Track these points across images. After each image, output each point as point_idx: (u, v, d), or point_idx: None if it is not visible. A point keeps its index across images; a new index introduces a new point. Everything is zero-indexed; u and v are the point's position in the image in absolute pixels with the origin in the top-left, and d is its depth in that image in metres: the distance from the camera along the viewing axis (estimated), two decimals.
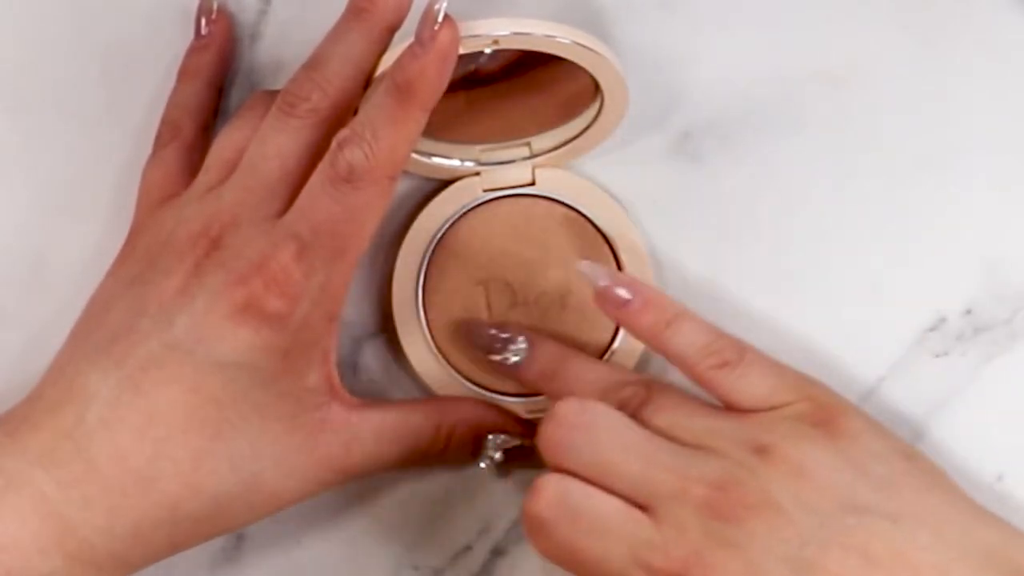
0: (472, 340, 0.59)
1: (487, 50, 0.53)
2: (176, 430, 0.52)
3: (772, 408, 0.52)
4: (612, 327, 0.60)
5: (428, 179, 0.61)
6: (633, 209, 0.61)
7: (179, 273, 0.53)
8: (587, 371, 0.56)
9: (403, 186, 0.61)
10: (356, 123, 0.53)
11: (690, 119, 0.62)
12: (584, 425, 0.51)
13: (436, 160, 0.60)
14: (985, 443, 0.60)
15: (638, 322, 0.54)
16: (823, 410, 0.52)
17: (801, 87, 0.62)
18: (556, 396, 0.54)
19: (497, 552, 0.60)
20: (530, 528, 0.51)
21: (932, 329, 0.61)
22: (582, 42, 0.53)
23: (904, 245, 0.61)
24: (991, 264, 0.61)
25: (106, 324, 0.54)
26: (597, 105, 0.58)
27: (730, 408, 0.53)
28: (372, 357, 0.61)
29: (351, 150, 0.52)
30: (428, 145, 0.59)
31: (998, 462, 0.60)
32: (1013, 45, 0.61)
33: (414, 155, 0.59)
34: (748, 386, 0.52)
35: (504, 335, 0.57)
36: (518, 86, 0.57)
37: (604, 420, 0.51)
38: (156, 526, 0.52)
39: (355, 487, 0.58)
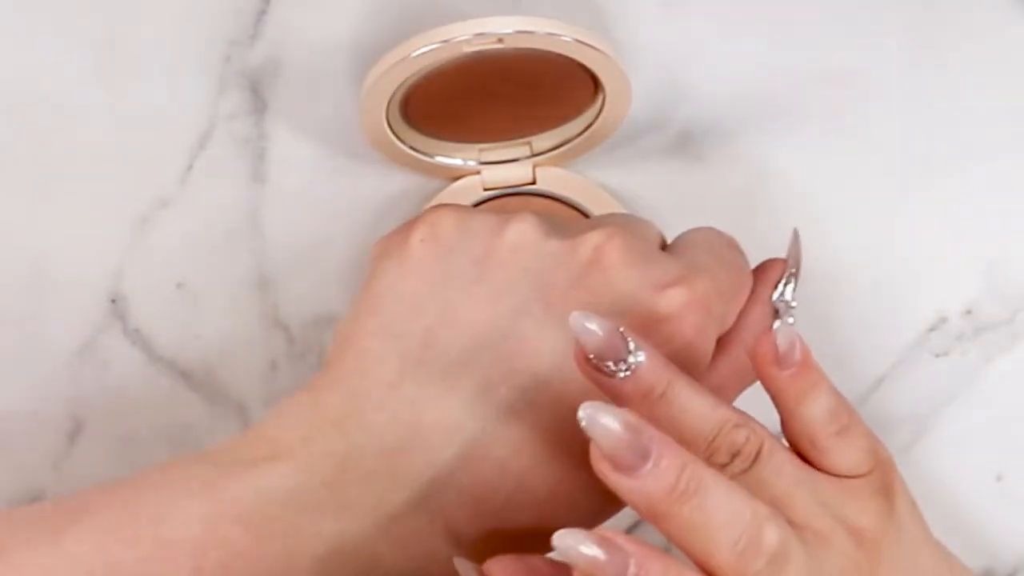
0: (580, 340, 0.47)
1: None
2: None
3: (859, 476, 0.49)
4: None
5: (429, 178, 0.61)
6: (633, 208, 0.61)
7: None
8: (696, 400, 0.48)
9: (403, 185, 0.61)
10: None
11: (690, 119, 0.62)
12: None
13: (437, 159, 0.60)
14: (985, 443, 0.61)
15: (791, 384, 0.48)
16: (887, 472, 0.50)
17: (801, 87, 0.62)
18: (660, 423, 0.48)
19: None
20: None
21: (932, 329, 0.61)
22: (585, 40, 0.54)
23: (904, 245, 0.61)
24: (992, 264, 0.61)
25: None
26: (598, 104, 0.58)
27: (823, 470, 0.49)
28: None
29: None
30: (429, 144, 0.59)
31: (998, 462, 0.61)
32: (1013, 45, 0.62)
33: (415, 154, 0.59)
34: (851, 454, 0.49)
35: (619, 344, 0.47)
36: (520, 85, 0.57)
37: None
38: None
39: None
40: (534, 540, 0.48)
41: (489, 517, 0.48)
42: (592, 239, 0.50)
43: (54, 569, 0.45)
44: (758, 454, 0.47)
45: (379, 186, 0.61)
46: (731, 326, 0.53)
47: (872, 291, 0.61)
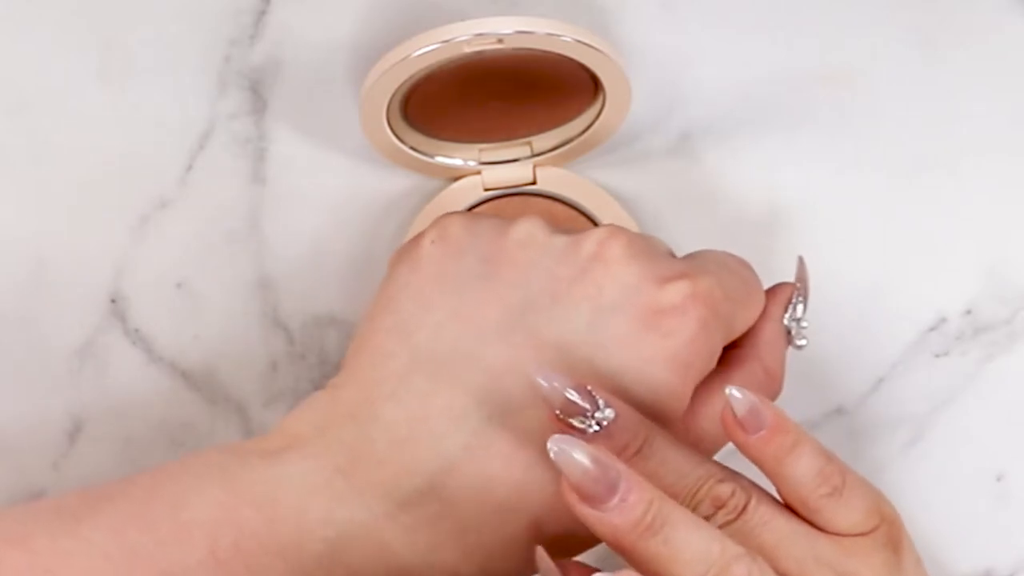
0: (545, 399, 0.48)
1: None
2: None
3: (862, 534, 0.49)
4: None
5: (429, 178, 0.61)
6: (633, 209, 0.61)
7: None
8: (676, 455, 0.49)
9: (403, 185, 0.61)
10: None
11: (690, 119, 0.62)
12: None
13: (437, 159, 0.60)
14: (985, 443, 0.61)
15: (764, 448, 0.48)
16: (893, 529, 0.50)
17: (801, 87, 0.62)
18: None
19: None
20: None
21: (932, 329, 0.61)
22: (585, 40, 0.54)
23: (904, 245, 0.61)
24: (991, 264, 0.61)
25: None
26: (598, 104, 0.58)
27: (822, 531, 0.49)
28: None
29: None
30: (430, 144, 0.59)
31: (998, 462, 0.61)
32: (1013, 45, 0.62)
33: (415, 154, 0.59)
34: (848, 514, 0.49)
35: (586, 403, 0.48)
36: (520, 85, 0.58)
37: None
38: None
39: None
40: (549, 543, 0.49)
41: (499, 509, 0.49)
42: (596, 235, 0.52)
43: (73, 554, 0.46)
44: (744, 507, 0.48)
45: (379, 186, 0.61)
46: (744, 343, 0.53)
47: (872, 291, 0.61)
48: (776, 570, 0.46)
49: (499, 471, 0.49)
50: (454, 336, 0.50)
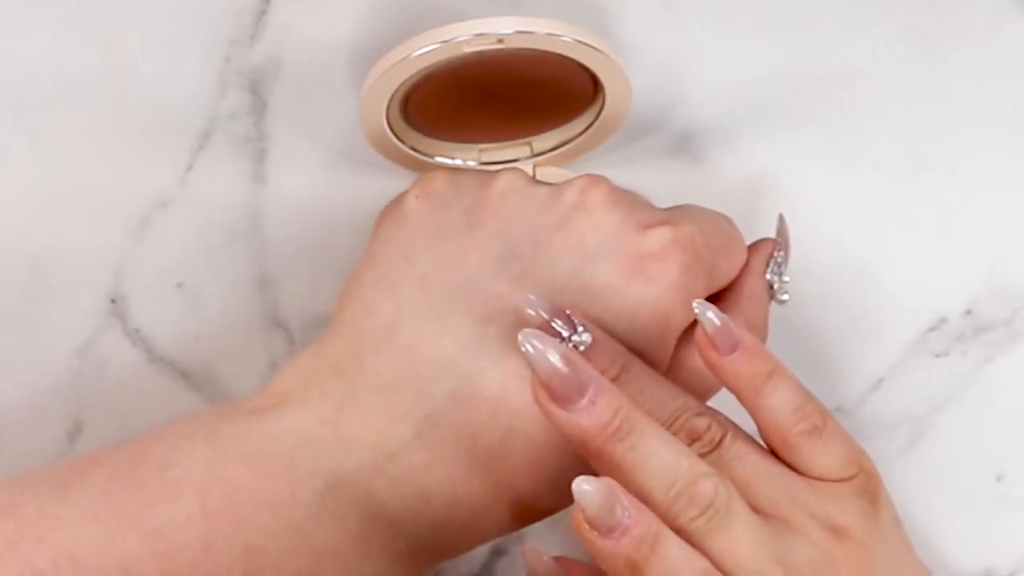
0: (525, 322, 0.49)
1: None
2: None
3: (839, 480, 0.49)
4: None
5: None
6: None
7: None
8: (653, 386, 0.50)
9: (403, 185, 0.61)
10: None
11: (690, 119, 0.62)
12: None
13: (437, 159, 0.60)
14: (985, 443, 0.61)
15: (739, 371, 0.49)
16: (871, 481, 0.50)
17: (801, 87, 0.62)
18: None
19: (497, 552, 0.60)
20: None
21: (932, 329, 0.61)
22: (585, 40, 0.54)
23: (904, 245, 0.61)
24: (991, 264, 0.61)
25: None
26: (598, 105, 0.58)
27: (799, 472, 0.49)
28: None
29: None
30: (429, 144, 0.59)
31: (998, 462, 0.61)
32: (1013, 45, 0.62)
33: (415, 154, 0.59)
34: (826, 457, 0.49)
35: (563, 325, 0.49)
36: (520, 85, 0.57)
37: None
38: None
39: None
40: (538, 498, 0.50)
41: (485, 458, 0.49)
42: (577, 184, 0.53)
43: (62, 519, 0.47)
44: (720, 441, 0.48)
45: (379, 186, 0.61)
46: (726, 296, 0.54)
47: (872, 291, 0.61)
48: (749, 506, 0.46)
49: (487, 419, 0.49)
50: (438, 286, 0.51)
